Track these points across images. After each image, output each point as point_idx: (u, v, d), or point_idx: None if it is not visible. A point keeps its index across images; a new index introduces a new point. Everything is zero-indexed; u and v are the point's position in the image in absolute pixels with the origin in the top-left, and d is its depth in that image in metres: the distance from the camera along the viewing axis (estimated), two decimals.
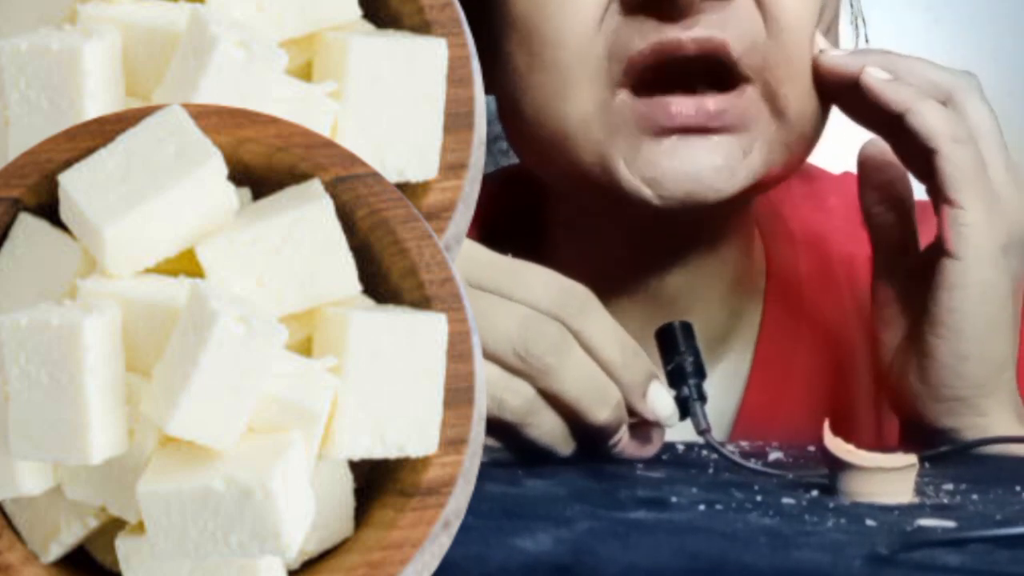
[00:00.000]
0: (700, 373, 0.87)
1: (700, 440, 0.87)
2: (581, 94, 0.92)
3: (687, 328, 0.88)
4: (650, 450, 0.86)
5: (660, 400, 0.84)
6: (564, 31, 0.92)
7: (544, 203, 1.06)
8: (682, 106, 0.91)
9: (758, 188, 0.95)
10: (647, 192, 0.92)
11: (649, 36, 0.91)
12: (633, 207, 0.93)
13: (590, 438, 0.83)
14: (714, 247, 1.02)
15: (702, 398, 0.87)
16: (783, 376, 1.05)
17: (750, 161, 0.93)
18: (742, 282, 1.05)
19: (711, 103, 0.92)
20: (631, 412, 0.84)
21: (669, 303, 1.01)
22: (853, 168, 1.01)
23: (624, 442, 0.85)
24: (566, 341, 0.81)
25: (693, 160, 0.92)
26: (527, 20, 0.94)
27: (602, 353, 0.82)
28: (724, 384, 1.05)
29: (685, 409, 0.86)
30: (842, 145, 1.06)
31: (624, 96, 0.92)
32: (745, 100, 0.92)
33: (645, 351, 0.84)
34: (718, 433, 1.02)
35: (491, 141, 1.22)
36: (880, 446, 1.03)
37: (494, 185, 1.10)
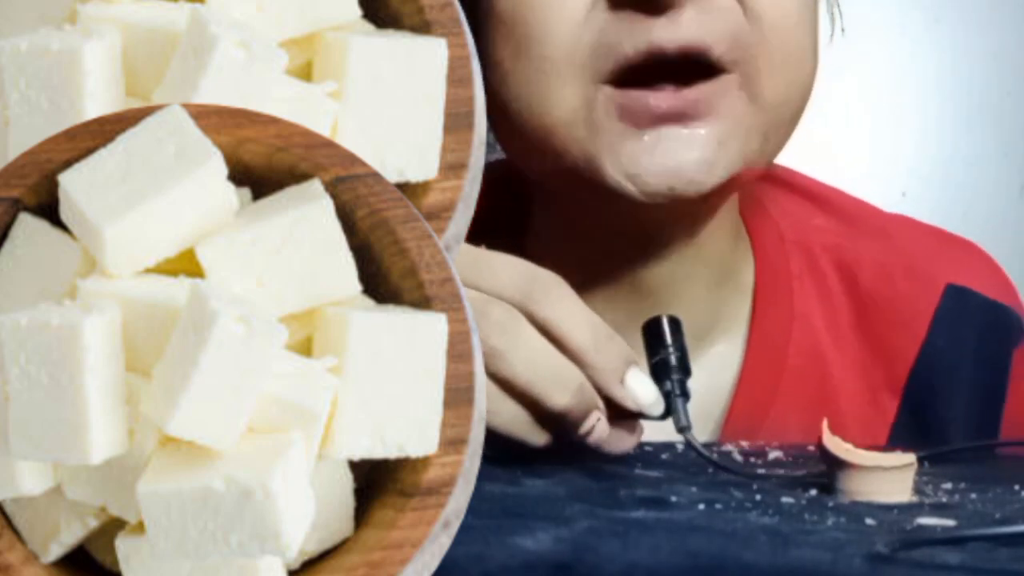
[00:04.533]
0: (685, 369, 0.86)
1: (709, 457, 0.85)
2: (565, 89, 0.93)
3: (675, 323, 0.87)
4: (629, 443, 0.84)
5: (640, 386, 0.82)
6: (550, 25, 0.92)
7: (528, 198, 1.06)
8: (661, 100, 0.92)
9: (736, 182, 0.95)
10: (630, 188, 0.92)
11: (635, 37, 0.91)
12: (617, 202, 0.93)
13: (558, 426, 0.81)
14: (697, 241, 1.02)
15: (684, 395, 0.85)
16: (775, 374, 1.05)
17: (727, 152, 0.93)
18: (727, 277, 1.05)
19: (690, 93, 0.92)
20: (610, 403, 0.82)
21: (652, 296, 1.01)
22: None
23: (599, 433, 0.82)
24: (514, 323, 0.80)
25: (673, 155, 0.92)
26: (512, 15, 0.94)
27: (571, 339, 0.80)
28: (709, 380, 1.04)
29: (667, 405, 0.84)
30: (815, 145, 1.07)
31: (607, 91, 0.92)
32: (724, 87, 0.93)
33: (630, 345, 0.84)
34: (705, 429, 1.01)
35: None
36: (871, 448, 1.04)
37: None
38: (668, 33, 0.91)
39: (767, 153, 0.96)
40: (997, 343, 1.09)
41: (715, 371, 1.05)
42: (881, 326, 1.08)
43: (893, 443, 1.04)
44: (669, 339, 0.87)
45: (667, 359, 0.86)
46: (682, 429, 0.84)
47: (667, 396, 0.85)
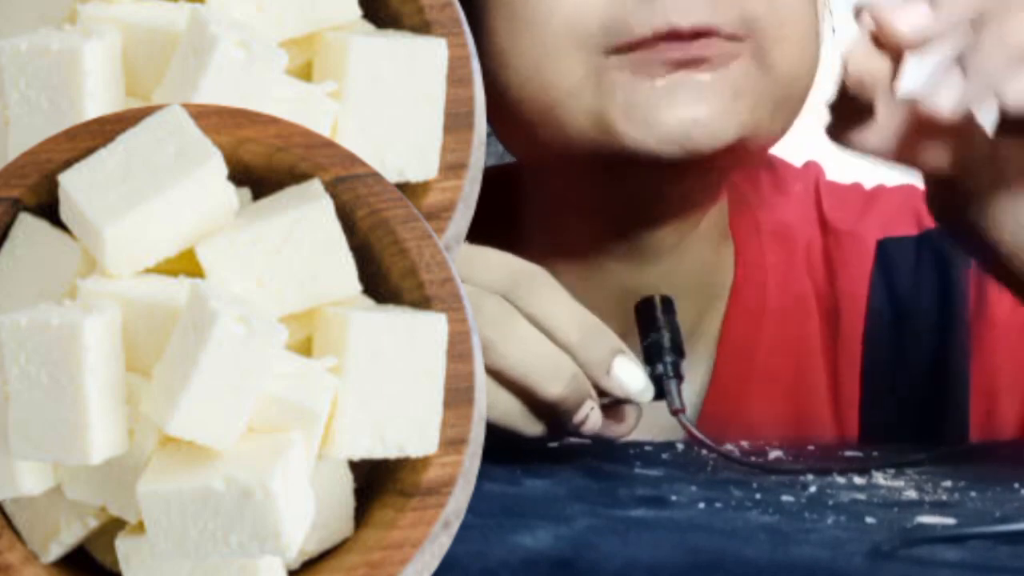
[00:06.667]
0: (678, 351, 0.85)
1: (702, 440, 0.85)
2: (570, 61, 0.92)
3: (667, 303, 0.86)
4: (624, 429, 0.84)
5: (628, 374, 0.82)
6: (555, 4, 0.92)
7: (516, 201, 1.06)
8: (674, 50, 0.91)
9: (745, 150, 0.95)
10: (647, 140, 0.91)
11: (648, 18, 0.91)
12: (628, 164, 0.93)
13: (553, 416, 0.81)
14: (688, 243, 1.02)
15: (678, 376, 0.85)
16: (746, 369, 1.04)
17: (741, 106, 0.92)
18: (711, 277, 1.05)
19: (702, 45, 0.92)
20: (602, 392, 0.82)
21: (640, 297, 1.01)
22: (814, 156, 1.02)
23: (593, 422, 0.82)
24: (506, 314, 0.80)
25: (691, 104, 0.91)
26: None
27: (558, 331, 0.80)
28: (689, 377, 1.04)
29: (660, 388, 0.84)
30: (807, 137, 1.07)
31: (615, 59, 0.92)
32: (735, 50, 0.93)
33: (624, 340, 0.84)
34: (678, 432, 1.01)
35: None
36: (840, 437, 1.03)
37: None
38: (680, 15, 0.91)
39: (776, 125, 0.96)
40: (944, 277, 1.08)
41: (693, 370, 1.04)
42: (832, 304, 1.07)
43: (864, 424, 1.04)
44: (661, 319, 0.86)
45: (659, 340, 0.85)
46: (675, 412, 0.84)
47: (659, 379, 0.84)
